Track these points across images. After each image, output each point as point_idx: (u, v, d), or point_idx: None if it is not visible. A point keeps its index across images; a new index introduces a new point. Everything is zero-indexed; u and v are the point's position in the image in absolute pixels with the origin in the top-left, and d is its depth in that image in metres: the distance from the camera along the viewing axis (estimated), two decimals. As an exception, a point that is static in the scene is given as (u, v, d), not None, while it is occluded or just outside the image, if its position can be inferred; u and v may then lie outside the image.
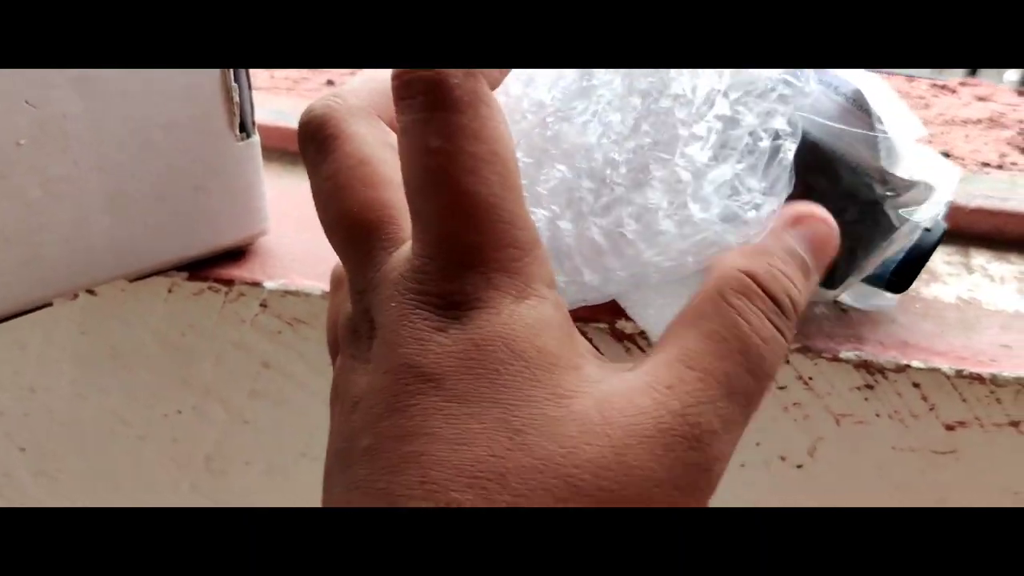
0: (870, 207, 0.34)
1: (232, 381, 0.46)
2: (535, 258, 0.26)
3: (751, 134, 0.28)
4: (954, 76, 0.60)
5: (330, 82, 0.55)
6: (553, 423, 0.23)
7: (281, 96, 0.53)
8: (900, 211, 0.35)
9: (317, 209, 0.29)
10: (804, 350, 0.39)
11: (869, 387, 0.39)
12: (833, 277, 0.35)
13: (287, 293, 0.41)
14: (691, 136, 0.28)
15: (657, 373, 0.24)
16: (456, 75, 0.25)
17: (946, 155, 0.50)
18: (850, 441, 0.42)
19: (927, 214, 0.35)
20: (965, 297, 0.42)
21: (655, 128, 0.28)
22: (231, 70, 0.38)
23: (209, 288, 0.42)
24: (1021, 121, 0.53)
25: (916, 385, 0.39)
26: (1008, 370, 0.38)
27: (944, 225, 0.38)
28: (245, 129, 0.40)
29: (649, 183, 0.28)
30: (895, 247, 0.36)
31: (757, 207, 0.27)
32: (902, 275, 0.39)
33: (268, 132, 0.50)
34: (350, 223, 0.28)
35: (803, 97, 0.28)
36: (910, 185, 0.34)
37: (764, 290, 0.26)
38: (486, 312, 0.24)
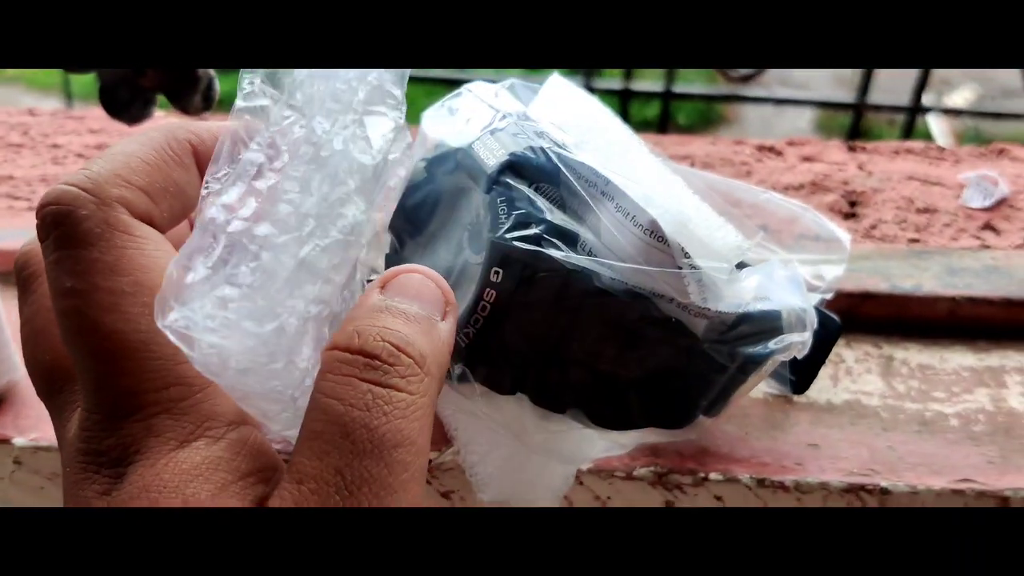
0: (690, 348, 0.31)
1: (4, 541, 0.42)
2: (210, 393, 0.23)
3: None
4: (785, 135, 0.58)
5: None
6: None
7: (23, 215, 0.49)
8: (740, 346, 0.31)
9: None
10: (597, 470, 0.36)
11: (669, 503, 0.36)
12: (674, 416, 0.32)
13: (39, 449, 0.38)
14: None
15: (280, 498, 0.22)
16: (86, 205, 0.23)
17: (763, 228, 0.47)
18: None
19: (769, 347, 0.32)
20: (774, 391, 0.40)
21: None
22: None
23: (-44, 449, 0.38)
24: (845, 182, 0.52)
25: (718, 498, 0.36)
26: (812, 475, 0.36)
27: (838, 321, 0.37)
28: (-25, 275, 0.37)
29: None
30: (757, 377, 0.33)
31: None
32: (801, 376, 0.38)
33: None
34: (44, 373, 0.25)
35: None
36: (740, 319, 0.31)
37: (352, 352, 0.22)
38: (142, 465, 0.22)
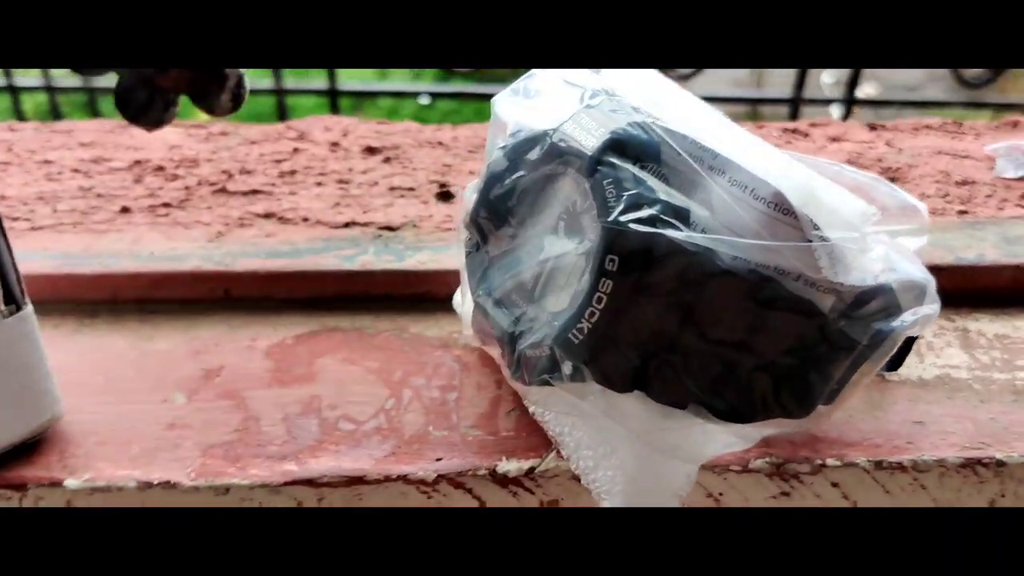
0: (822, 327, 0.29)
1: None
2: None
3: None
4: (803, 119, 0.57)
5: (126, 209, 0.47)
6: None
7: (67, 233, 0.45)
8: (873, 321, 0.29)
9: None
10: (709, 466, 0.34)
11: (785, 494, 0.35)
12: (801, 402, 0.30)
13: (95, 490, 0.34)
14: None
15: None
16: None
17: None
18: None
19: (905, 320, 0.30)
20: (866, 370, 0.39)
21: None
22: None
23: (-4, 497, 0.34)
24: (879, 159, 0.51)
25: (835, 485, 0.35)
26: (927, 452, 0.35)
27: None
28: (13, 301, 0.33)
29: None
30: (883, 357, 0.31)
31: None
32: (898, 352, 0.36)
33: (55, 282, 0.43)
34: None
35: None
36: (872, 292, 0.29)
37: None
38: None
